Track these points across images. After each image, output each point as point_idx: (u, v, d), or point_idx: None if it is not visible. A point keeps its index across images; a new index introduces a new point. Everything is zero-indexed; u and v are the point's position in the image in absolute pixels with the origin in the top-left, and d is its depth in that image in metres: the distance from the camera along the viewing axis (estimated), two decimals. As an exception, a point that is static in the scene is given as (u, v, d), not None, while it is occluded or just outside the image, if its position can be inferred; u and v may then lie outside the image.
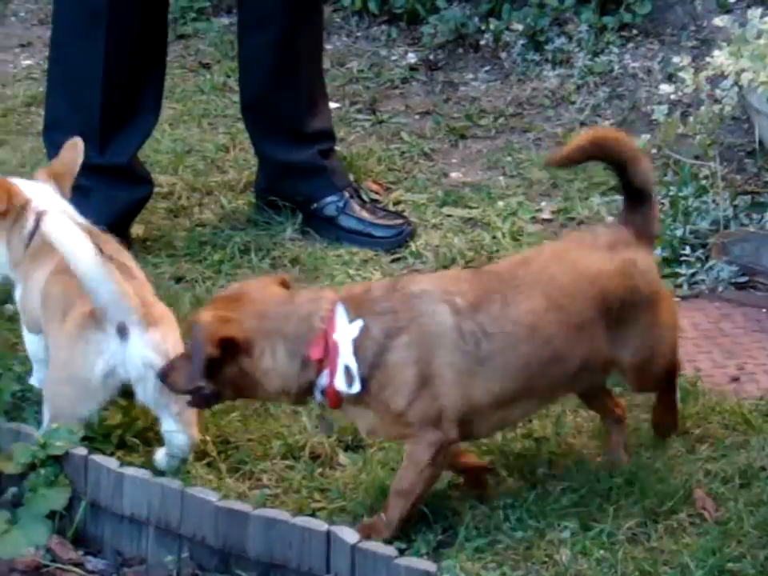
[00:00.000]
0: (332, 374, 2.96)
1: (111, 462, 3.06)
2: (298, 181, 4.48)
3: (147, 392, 3.17)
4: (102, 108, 4.25)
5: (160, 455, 3.22)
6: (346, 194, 4.50)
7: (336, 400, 3.00)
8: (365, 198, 4.58)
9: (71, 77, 4.30)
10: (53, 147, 4.29)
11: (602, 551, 3.00)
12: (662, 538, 3.07)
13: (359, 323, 2.96)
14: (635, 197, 3.20)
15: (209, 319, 2.97)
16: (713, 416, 3.51)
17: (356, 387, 2.95)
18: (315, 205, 4.50)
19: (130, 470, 3.03)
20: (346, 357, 2.95)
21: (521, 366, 3.01)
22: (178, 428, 3.19)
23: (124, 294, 3.10)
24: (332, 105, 5.30)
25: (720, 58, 4.24)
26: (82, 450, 3.09)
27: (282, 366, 2.97)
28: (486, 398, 3.01)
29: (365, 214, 4.47)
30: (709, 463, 3.33)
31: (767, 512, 3.13)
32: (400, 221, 4.49)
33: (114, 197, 4.25)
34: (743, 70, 4.18)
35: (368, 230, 4.46)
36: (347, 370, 2.95)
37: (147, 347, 3.13)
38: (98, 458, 3.07)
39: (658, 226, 3.35)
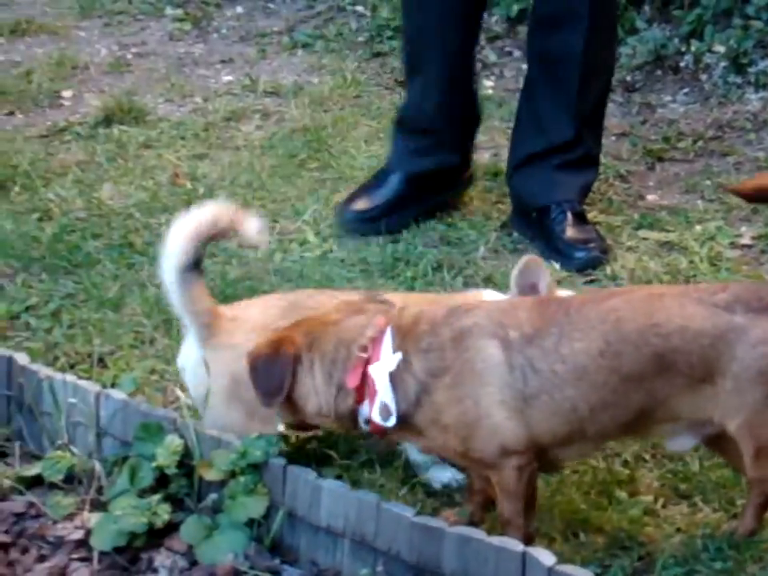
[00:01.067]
0: (370, 406, 2.96)
1: (309, 473, 3.10)
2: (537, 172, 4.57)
3: None
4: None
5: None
6: (565, 207, 4.53)
7: (379, 430, 2.99)
8: (579, 217, 4.55)
9: (419, 73, 4.59)
10: (395, 143, 4.72)
11: (806, 589, 2.93)
12: None
13: (398, 356, 2.92)
14: None
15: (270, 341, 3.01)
16: None
17: (392, 421, 2.94)
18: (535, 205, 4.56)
19: (327, 482, 3.07)
20: (382, 390, 2.93)
21: (567, 409, 2.87)
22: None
23: None
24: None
25: None
26: (280, 460, 3.15)
27: (318, 387, 2.98)
28: (541, 437, 2.90)
29: (568, 232, 4.47)
30: None
31: None
32: (593, 244, 4.46)
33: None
34: None
35: (556, 245, 4.47)
36: (383, 404, 2.94)
37: None
38: (296, 468, 3.12)
39: None
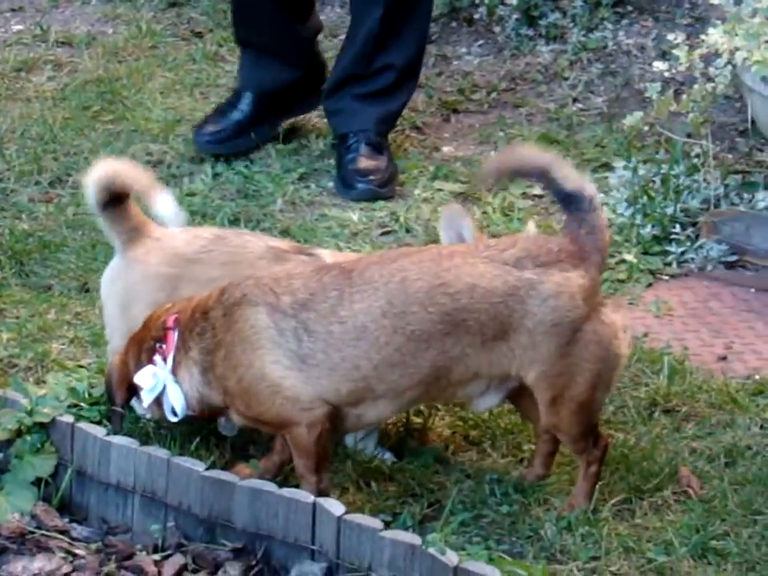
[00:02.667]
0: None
1: (98, 430, 3.06)
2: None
3: None
4: None
5: None
6: (360, 137, 4.60)
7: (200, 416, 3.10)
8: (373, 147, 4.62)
9: None
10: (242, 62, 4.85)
11: (586, 527, 3.00)
12: (647, 515, 3.08)
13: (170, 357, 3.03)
14: (573, 204, 2.94)
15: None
16: (699, 394, 3.52)
17: (176, 417, 3.05)
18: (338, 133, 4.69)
19: (116, 439, 3.03)
20: (170, 390, 3.04)
21: (348, 368, 2.90)
22: None
23: None
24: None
25: (714, 36, 4.23)
26: (68, 418, 3.09)
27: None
28: (324, 394, 2.92)
29: (357, 163, 4.53)
30: (695, 441, 3.34)
31: (751, 490, 3.15)
32: (373, 177, 4.52)
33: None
34: (737, 49, 4.17)
35: (342, 174, 4.55)
36: (170, 404, 3.05)
37: None
38: (84, 425, 3.07)
39: (603, 236, 2.96)
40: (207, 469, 2.94)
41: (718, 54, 4.25)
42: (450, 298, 2.87)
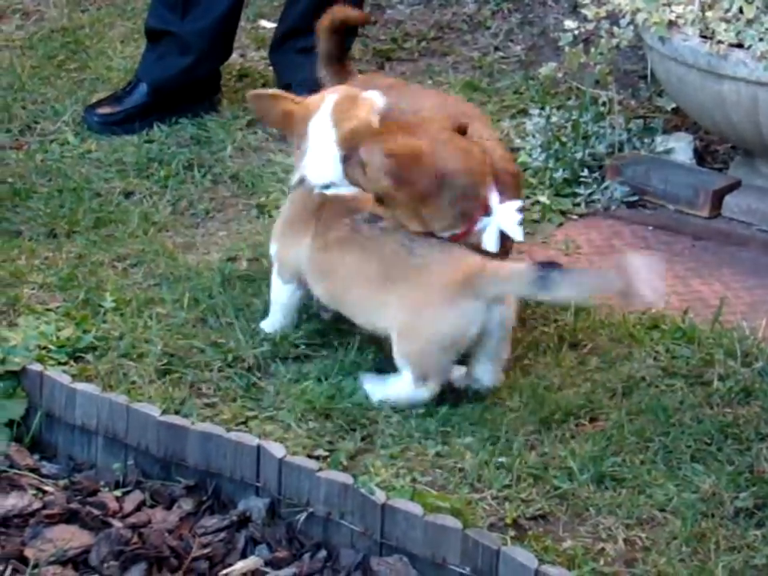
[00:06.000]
0: None
1: (64, 378, 3.01)
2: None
3: None
4: None
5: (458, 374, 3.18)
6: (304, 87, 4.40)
7: None
8: None
9: None
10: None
11: (501, 458, 3.00)
12: (554, 445, 3.08)
13: None
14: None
15: None
16: (602, 329, 3.50)
17: None
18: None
19: (80, 385, 2.99)
20: None
21: None
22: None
23: None
24: (268, 25, 5.17)
25: (619, -2, 4.15)
26: (37, 366, 3.04)
27: None
28: None
29: None
30: (597, 374, 3.33)
31: (644, 420, 3.16)
32: None
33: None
34: (638, 10, 4.10)
35: None
36: None
37: None
38: (52, 373, 3.03)
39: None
40: (162, 413, 2.91)
41: (622, 15, 4.17)
42: None
